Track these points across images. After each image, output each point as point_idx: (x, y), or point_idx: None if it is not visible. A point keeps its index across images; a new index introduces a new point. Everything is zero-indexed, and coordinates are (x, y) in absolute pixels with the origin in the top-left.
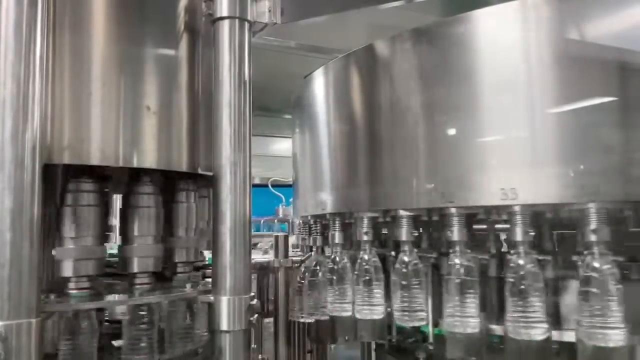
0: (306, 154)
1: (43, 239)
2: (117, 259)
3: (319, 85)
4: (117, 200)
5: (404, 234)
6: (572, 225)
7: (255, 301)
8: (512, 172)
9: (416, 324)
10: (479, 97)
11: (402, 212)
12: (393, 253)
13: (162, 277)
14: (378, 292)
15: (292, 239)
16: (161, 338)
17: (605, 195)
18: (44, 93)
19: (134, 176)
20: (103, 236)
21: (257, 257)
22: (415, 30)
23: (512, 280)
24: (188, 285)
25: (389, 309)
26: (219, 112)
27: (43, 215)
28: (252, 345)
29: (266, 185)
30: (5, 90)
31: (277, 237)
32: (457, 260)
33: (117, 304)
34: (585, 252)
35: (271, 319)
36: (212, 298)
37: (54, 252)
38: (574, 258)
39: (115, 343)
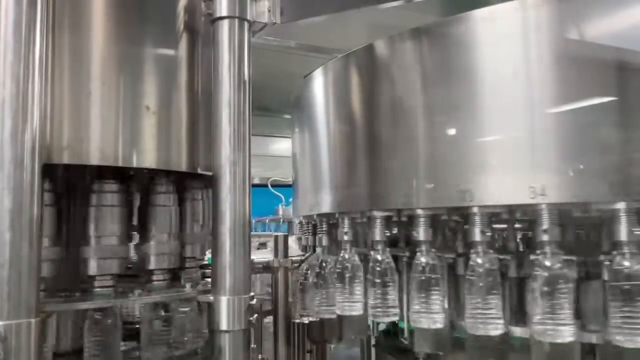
0: (306, 154)
1: (70, 238)
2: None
3: (319, 85)
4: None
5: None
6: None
7: (254, 301)
8: (538, 172)
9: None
10: (479, 97)
11: (419, 212)
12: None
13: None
14: (392, 294)
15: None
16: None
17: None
18: (43, 93)
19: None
20: (127, 235)
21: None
22: (415, 30)
23: (540, 282)
24: (188, 285)
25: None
26: (219, 112)
27: (67, 215)
28: (252, 345)
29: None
30: (5, 90)
31: (276, 237)
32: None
33: (110, 304)
34: (614, 252)
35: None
36: (211, 298)
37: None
38: (601, 258)
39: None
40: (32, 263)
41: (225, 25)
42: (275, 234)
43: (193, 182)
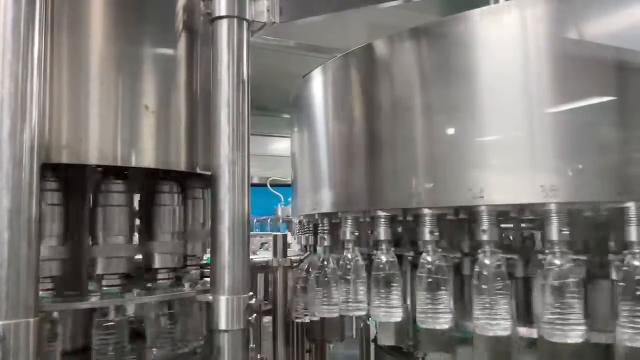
0: (305, 154)
1: (79, 238)
2: None
3: (318, 85)
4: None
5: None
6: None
7: (254, 300)
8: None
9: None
10: (478, 96)
11: (426, 211)
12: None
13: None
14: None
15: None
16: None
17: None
18: (42, 92)
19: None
20: (132, 235)
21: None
22: (414, 30)
23: (552, 281)
24: (187, 285)
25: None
26: (218, 112)
27: (75, 215)
28: (251, 345)
29: (265, 185)
30: (4, 90)
31: (275, 237)
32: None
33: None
34: (625, 252)
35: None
36: (210, 298)
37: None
38: (611, 258)
39: None
40: (31, 263)
41: (224, 24)
42: (275, 234)
43: (194, 182)
